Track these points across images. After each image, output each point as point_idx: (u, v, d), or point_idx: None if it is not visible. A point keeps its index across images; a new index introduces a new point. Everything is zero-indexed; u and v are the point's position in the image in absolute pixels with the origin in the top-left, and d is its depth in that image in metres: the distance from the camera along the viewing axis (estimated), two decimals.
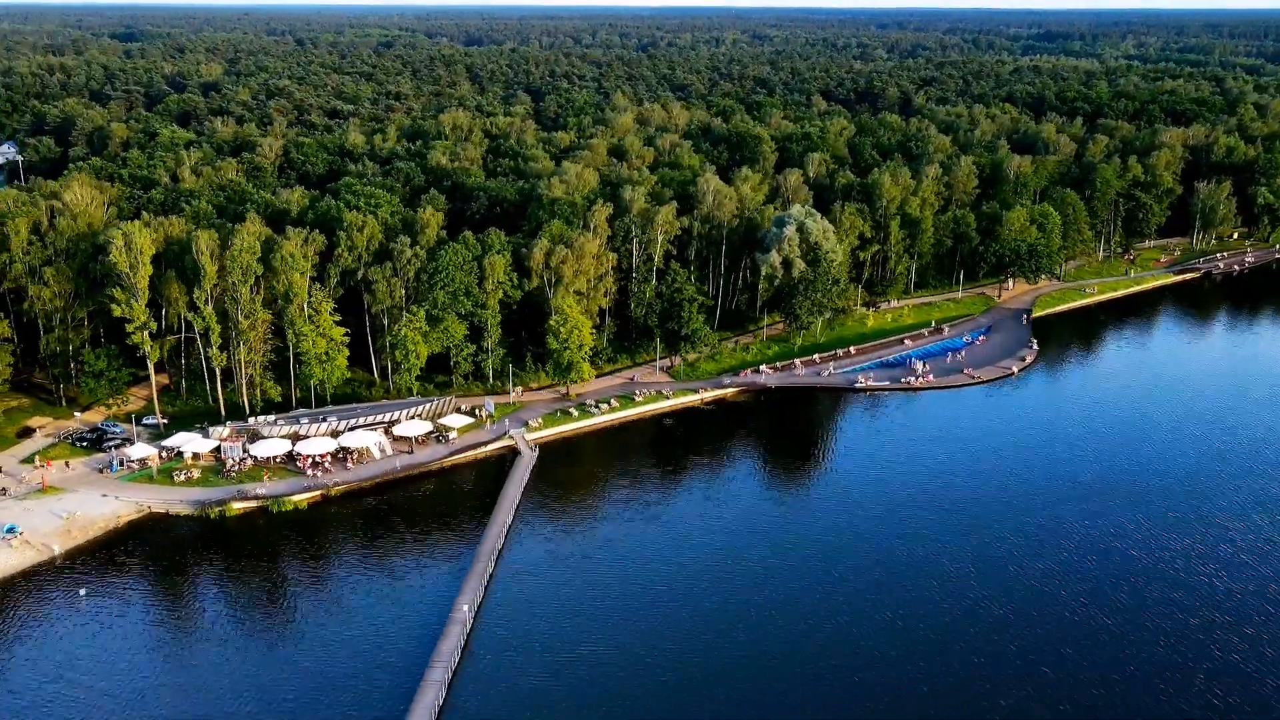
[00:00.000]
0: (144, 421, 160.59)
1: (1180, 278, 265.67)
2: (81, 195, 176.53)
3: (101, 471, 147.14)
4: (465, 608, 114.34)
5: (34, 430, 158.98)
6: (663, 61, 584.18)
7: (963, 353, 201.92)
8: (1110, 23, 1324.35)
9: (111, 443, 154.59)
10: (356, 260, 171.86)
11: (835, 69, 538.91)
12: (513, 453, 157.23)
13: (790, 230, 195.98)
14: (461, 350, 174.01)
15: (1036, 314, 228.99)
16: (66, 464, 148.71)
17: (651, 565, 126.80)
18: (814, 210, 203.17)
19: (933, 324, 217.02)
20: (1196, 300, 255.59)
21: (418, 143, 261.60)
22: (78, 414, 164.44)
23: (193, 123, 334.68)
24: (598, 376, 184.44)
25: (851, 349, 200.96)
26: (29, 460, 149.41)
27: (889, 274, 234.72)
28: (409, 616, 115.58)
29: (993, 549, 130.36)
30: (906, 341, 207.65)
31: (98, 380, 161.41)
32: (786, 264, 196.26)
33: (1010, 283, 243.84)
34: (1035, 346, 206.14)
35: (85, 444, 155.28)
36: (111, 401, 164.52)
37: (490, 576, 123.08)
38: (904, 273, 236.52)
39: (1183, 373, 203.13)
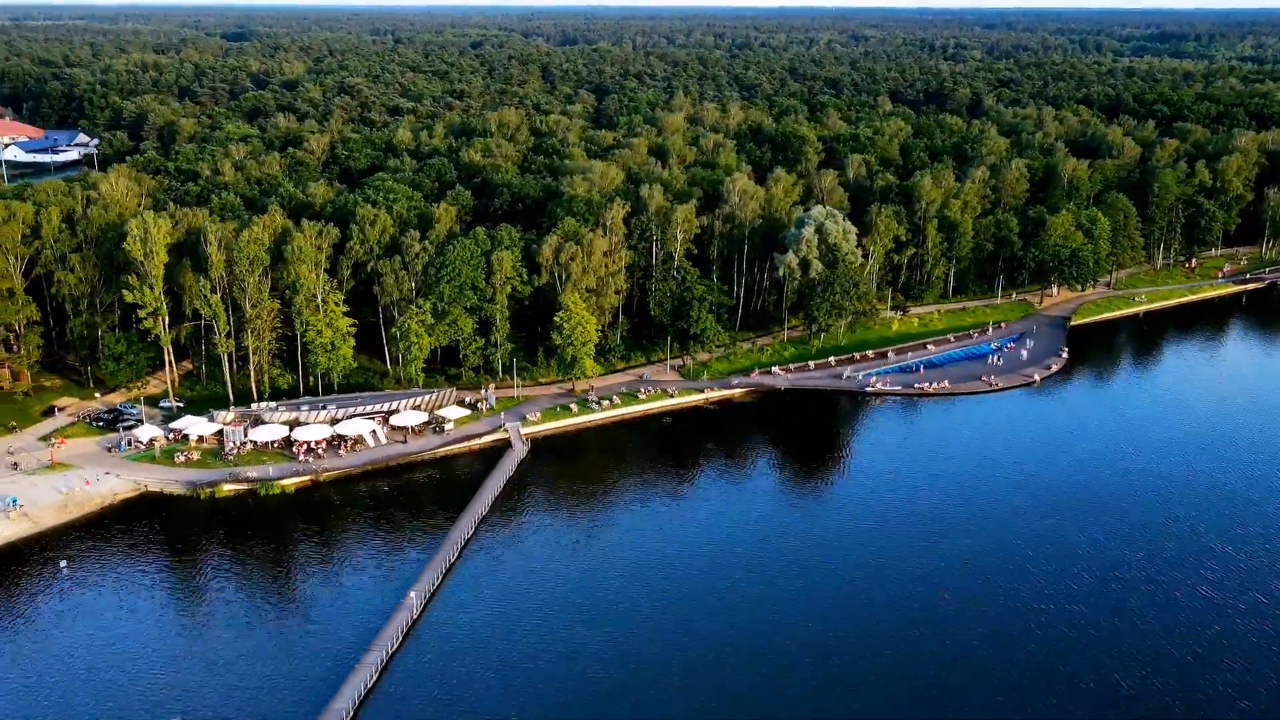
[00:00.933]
0: (160, 404, 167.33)
1: (1241, 288, 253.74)
2: (116, 186, 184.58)
3: (110, 450, 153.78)
4: (413, 595, 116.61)
5: (57, 410, 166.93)
6: (739, 61, 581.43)
7: (992, 359, 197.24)
8: (1234, 23, 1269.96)
9: (125, 423, 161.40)
10: (368, 253, 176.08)
11: (910, 70, 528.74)
12: (506, 446, 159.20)
13: (809, 231, 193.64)
14: (470, 344, 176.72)
15: (1076, 322, 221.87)
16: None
17: (612, 564, 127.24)
18: (835, 212, 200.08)
19: (988, 325, 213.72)
20: (1256, 313, 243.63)
21: (460, 139, 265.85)
22: (98, 395, 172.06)
23: (259, 118, 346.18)
24: (610, 373, 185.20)
25: (869, 352, 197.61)
26: (46, 438, 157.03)
27: (925, 278, 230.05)
28: (363, 601, 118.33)
29: (976, 558, 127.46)
30: (929, 346, 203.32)
31: (117, 364, 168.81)
32: (804, 265, 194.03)
33: (1055, 290, 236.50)
34: (1065, 355, 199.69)
35: (102, 424, 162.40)
36: (133, 384, 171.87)
37: (451, 567, 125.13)
38: (941, 277, 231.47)
39: (1211, 388, 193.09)
